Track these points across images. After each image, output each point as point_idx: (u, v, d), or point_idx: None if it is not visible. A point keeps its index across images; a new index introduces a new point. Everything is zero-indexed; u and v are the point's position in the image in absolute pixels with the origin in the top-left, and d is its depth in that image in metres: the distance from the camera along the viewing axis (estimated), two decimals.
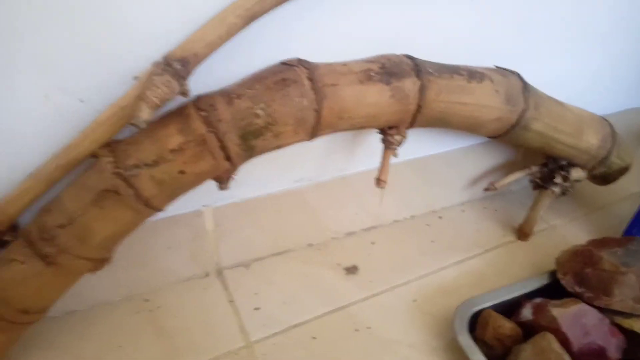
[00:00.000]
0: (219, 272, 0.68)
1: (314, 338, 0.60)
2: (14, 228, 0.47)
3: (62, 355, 0.56)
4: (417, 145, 0.68)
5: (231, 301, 0.64)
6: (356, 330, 0.61)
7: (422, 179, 0.75)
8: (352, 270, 0.69)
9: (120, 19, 0.42)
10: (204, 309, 0.63)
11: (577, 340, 0.53)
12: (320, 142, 0.55)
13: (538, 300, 0.58)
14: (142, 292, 0.64)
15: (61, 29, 0.40)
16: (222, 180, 0.49)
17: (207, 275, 0.67)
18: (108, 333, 0.59)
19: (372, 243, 0.74)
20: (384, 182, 0.54)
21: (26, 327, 0.49)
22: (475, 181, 0.80)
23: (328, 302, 0.65)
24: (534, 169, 0.71)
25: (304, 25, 0.50)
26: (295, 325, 0.61)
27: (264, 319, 0.62)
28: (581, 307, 0.55)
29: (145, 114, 0.40)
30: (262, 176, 0.60)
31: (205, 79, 0.46)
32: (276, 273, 0.68)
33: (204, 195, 0.58)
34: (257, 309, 0.63)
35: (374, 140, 0.63)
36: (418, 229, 0.77)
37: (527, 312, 0.57)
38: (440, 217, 0.79)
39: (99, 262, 0.47)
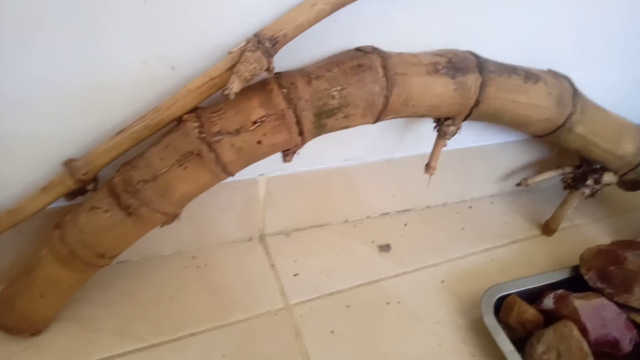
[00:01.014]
0: (262, 238, 0.72)
1: (348, 307, 0.65)
2: (95, 179, 0.51)
3: (119, 298, 0.61)
4: (457, 136, 0.71)
5: (272, 266, 0.69)
6: (387, 303, 0.66)
7: (456, 169, 0.78)
8: (385, 248, 0.74)
9: None
10: (247, 271, 0.67)
11: (595, 331, 0.58)
12: (374, 126, 0.59)
13: (560, 291, 0.63)
14: (190, 249, 0.69)
15: (167, 1, 0.44)
16: (289, 153, 0.53)
17: (250, 239, 0.72)
18: (159, 284, 0.64)
19: (405, 225, 0.78)
20: (434, 168, 0.58)
21: (98, 269, 0.54)
22: (506, 176, 0.84)
23: (362, 275, 0.69)
24: (568, 169, 0.74)
25: (375, 15, 0.53)
26: (331, 294, 0.66)
27: (302, 285, 0.67)
28: (602, 300, 0.60)
29: (236, 87, 0.43)
30: (315, 152, 0.64)
31: (284, 58, 0.50)
32: (314, 244, 0.73)
33: (262, 165, 0.62)
34: (296, 275, 0.68)
35: (423, 128, 0.67)
36: (449, 215, 0.81)
37: (549, 301, 0.62)
38: (470, 207, 0.84)
39: (172, 217, 0.52)
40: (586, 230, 0.83)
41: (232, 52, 0.45)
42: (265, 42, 0.45)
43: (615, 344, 0.58)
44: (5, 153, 0.49)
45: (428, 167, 0.58)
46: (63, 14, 0.42)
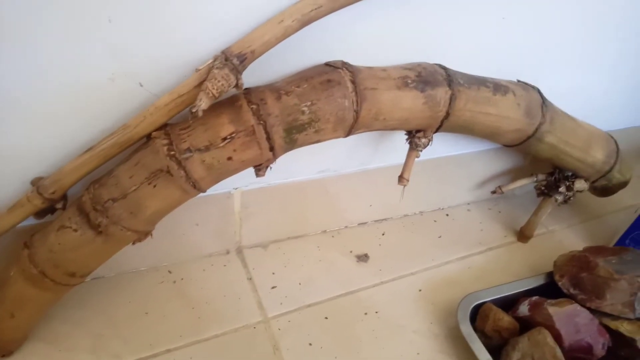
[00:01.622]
0: (239, 251, 0.72)
1: (326, 318, 0.65)
2: (64, 197, 0.51)
3: (95, 316, 0.60)
4: (432, 145, 0.72)
5: (250, 279, 0.69)
6: (365, 313, 0.66)
7: (432, 178, 0.79)
8: (363, 258, 0.74)
9: (184, 13, 0.45)
10: (224, 284, 0.67)
11: (569, 337, 0.58)
12: (348, 138, 0.59)
13: (535, 298, 0.63)
14: (166, 263, 0.68)
15: (133, 19, 0.44)
16: (261, 168, 0.53)
17: (227, 252, 0.71)
18: (136, 300, 0.63)
19: (383, 234, 0.79)
20: (407, 180, 0.58)
21: (69, 288, 0.53)
22: (482, 184, 0.84)
23: (340, 285, 0.69)
24: (540, 177, 0.76)
25: (344, 29, 0.53)
26: (309, 305, 0.66)
27: (280, 297, 0.66)
28: (575, 307, 0.60)
29: (204, 104, 0.43)
30: (290, 165, 0.64)
31: (253, 73, 0.50)
32: (292, 255, 0.73)
33: (236, 179, 0.62)
34: (273, 287, 0.68)
35: (397, 139, 0.67)
36: (426, 224, 0.82)
37: (524, 308, 0.63)
38: (447, 215, 0.84)
39: (144, 234, 0.51)
40: (561, 235, 0.84)
41: (200, 70, 0.44)
42: (233, 59, 0.45)
43: (588, 349, 0.59)
44: None
45: (401, 178, 0.59)
46: (28, 28, 0.41)
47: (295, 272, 0.70)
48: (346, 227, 0.78)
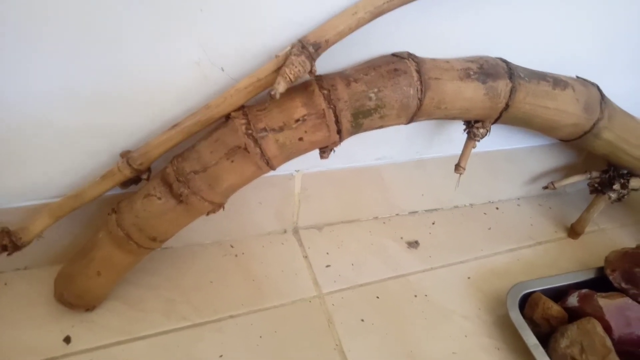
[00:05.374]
0: (295, 231, 0.76)
1: (378, 297, 0.68)
2: (149, 169, 0.56)
3: (165, 282, 0.66)
4: (486, 139, 0.74)
5: (305, 257, 0.73)
6: (415, 296, 0.69)
7: (484, 171, 0.81)
8: (413, 244, 0.77)
9: (266, 5, 0.50)
10: (282, 260, 0.72)
11: (619, 329, 0.59)
12: (405, 128, 0.62)
13: (585, 290, 0.65)
14: (228, 238, 0.73)
15: (222, 9, 0.48)
16: (326, 150, 0.56)
17: (285, 232, 0.76)
18: (201, 270, 0.68)
19: (433, 223, 0.81)
20: (463, 168, 0.61)
21: (148, 252, 0.59)
22: (533, 179, 0.85)
23: (391, 269, 0.72)
24: (595, 174, 0.76)
25: (410, 22, 0.56)
26: (361, 285, 0.70)
27: (333, 276, 0.70)
28: (626, 300, 0.61)
29: (282, 87, 0.47)
30: (349, 151, 0.67)
31: (325, 61, 0.54)
32: (345, 238, 0.76)
33: (299, 161, 0.66)
34: (327, 266, 0.72)
35: (452, 131, 0.70)
36: (476, 216, 0.84)
37: (573, 300, 0.64)
38: (497, 208, 0.86)
39: (218, 206, 0.56)
40: (612, 234, 0.84)
41: (278, 56, 0.49)
42: (309, 47, 0.48)
43: (638, 342, 0.60)
44: (72, 143, 0.54)
45: (458, 166, 0.61)
46: (133, 18, 0.46)
47: (348, 254, 0.74)
48: (397, 214, 0.81)
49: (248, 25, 0.51)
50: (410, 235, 0.78)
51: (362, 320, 0.64)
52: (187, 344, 0.59)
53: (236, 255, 0.71)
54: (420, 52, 0.57)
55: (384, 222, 0.80)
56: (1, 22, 0.43)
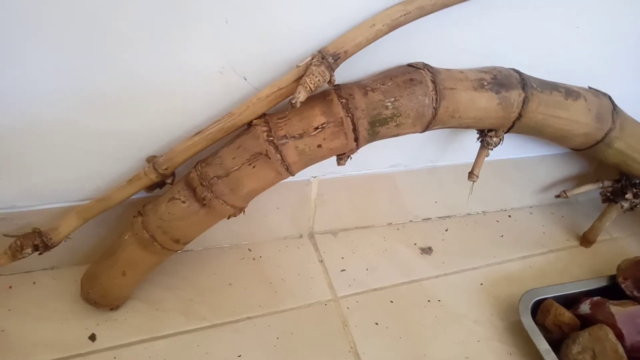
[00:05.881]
0: (311, 236, 0.78)
1: (392, 302, 0.70)
2: (173, 174, 0.59)
3: (185, 284, 0.68)
4: (498, 148, 0.75)
5: (321, 261, 0.74)
6: (428, 301, 0.70)
7: (497, 180, 0.82)
8: (426, 250, 0.78)
9: (287, 18, 0.52)
10: (298, 264, 0.73)
11: (630, 337, 0.60)
12: (420, 136, 0.64)
13: (596, 298, 0.65)
14: (246, 242, 0.75)
15: (245, 21, 0.51)
16: (343, 157, 0.58)
17: (301, 236, 0.78)
18: (220, 272, 0.71)
19: (446, 230, 0.82)
20: (476, 176, 0.62)
21: (171, 254, 0.61)
22: (546, 188, 0.87)
23: (404, 274, 0.74)
24: (607, 183, 0.77)
25: (426, 34, 0.58)
26: (376, 289, 0.71)
27: (348, 280, 0.72)
28: (638, 308, 0.62)
29: (302, 96, 0.50)
30: (364, 158, 0.69)
31: (343, 71, 0.56)
32: (359, 243, 0.78)
33: (315, 168, 0.68)
34: (342, 270, 0.73)
35: (465, 139, 0.71)
36: (488, 223, 0.85)
37: (585, 307, 0.65)
38: (509, 216, 0.87)
39: (239, 210, 0.58)
40: (624, 243, 0.84)
41: (299, 66, 0.51)
42: (329, 58, 0.51)
43: None
44: (101, 149, 0.57)
45: (471, 174, 0.63)
46: (164, 28, 0.49)
47: (363, 259, 0.75)
48: (411, 221, 0.83)
49: (270, 37, 0.53)
50: (424, 242, 0.80)
51: (376, 323, 0.66)
52: (206, 344, 0.61)
53: (254, 259, 0.73)
54: (436, 63, 0.59)
55: (398, 228, 0.82)
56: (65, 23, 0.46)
